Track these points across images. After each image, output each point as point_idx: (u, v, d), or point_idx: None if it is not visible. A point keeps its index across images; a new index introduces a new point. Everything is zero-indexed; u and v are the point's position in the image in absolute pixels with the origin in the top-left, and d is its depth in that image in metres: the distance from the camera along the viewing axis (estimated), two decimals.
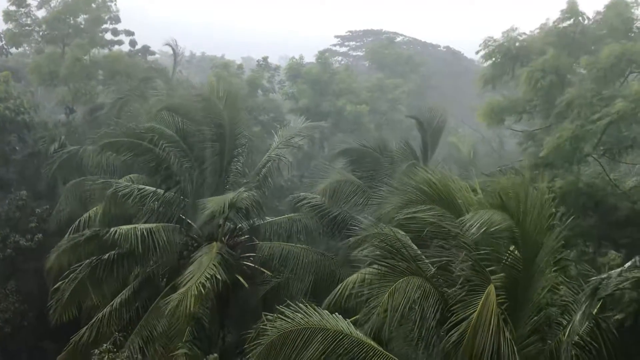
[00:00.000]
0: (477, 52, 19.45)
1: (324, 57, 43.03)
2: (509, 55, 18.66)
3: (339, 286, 17.30)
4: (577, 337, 11.79)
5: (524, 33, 19.19)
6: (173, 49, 41.64)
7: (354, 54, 70.53)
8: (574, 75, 17.91)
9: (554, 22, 19.09)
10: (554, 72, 16.90)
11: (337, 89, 41.19)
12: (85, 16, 36.77)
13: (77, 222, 22.30)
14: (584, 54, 18.22)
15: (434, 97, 57.80)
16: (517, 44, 18.64)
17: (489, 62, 19.09)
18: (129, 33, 39.85)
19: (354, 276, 16.34)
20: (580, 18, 18.57)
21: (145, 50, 42.36)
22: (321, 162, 28.31)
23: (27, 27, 38.07)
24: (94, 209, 22.54)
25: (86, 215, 22.48)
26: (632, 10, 18.72)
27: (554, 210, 11.60)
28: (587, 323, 11.85)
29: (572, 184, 15.44)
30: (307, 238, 22.52)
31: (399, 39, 68.83)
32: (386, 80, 45.80)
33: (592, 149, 15.55)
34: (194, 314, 17.12)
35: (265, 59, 44.24)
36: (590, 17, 18.93)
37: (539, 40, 18.59)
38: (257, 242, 21.33)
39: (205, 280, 17.32)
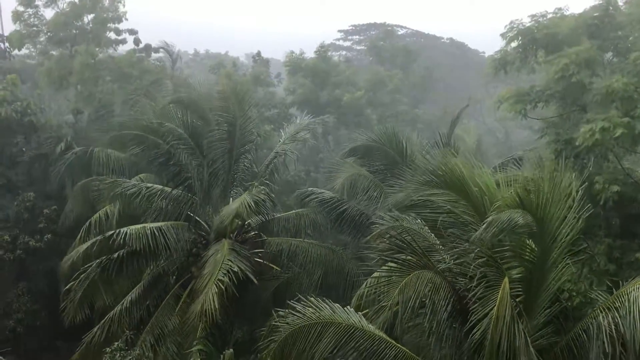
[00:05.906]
0: (501, 34, 18.88)
1: (322, 50, 43.16)
2: (533, 40, 18.13)
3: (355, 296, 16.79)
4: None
5: (549, 16, 18.66)
6: (170, 49, 41.83)
7: (358, 47, 70.28)
8: (602, 67, 17.51)
9: (585, 10, 18.60)
10: (586, 66, 16.52)
11: (336, 80, 41.32)
12: (91, 16, 36.70)
13: (87, 223, 22.33)
14: (610, 43, 17.87)
15: (438, 88, 57.71)
16: (544, 30, 18.06)
17: (512, 44, 18.52)
18: (132, 32, 39.82)
19: (368, 280, 16.07)
20: (610, 7, 18.13)
21: (148, 48, 42.42)
22: (332, 156, 28.16)
23: (34, 28, 38.01)
24: (103, 209, 22.62)
25: (96, 215, 22.52)
26: None
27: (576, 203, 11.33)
28: None
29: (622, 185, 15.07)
30: (315, 233, 22.53)
31: (402, 31, 68.65)
32: (385, 72, 45.87)
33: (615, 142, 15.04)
34: (212, 310, 17.18)
35: (258, 53, 44.74)
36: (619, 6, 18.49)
37: (565, 27, 18.07)
38: (266, 238, 21.40)
39: (223, 276, 17.51)
